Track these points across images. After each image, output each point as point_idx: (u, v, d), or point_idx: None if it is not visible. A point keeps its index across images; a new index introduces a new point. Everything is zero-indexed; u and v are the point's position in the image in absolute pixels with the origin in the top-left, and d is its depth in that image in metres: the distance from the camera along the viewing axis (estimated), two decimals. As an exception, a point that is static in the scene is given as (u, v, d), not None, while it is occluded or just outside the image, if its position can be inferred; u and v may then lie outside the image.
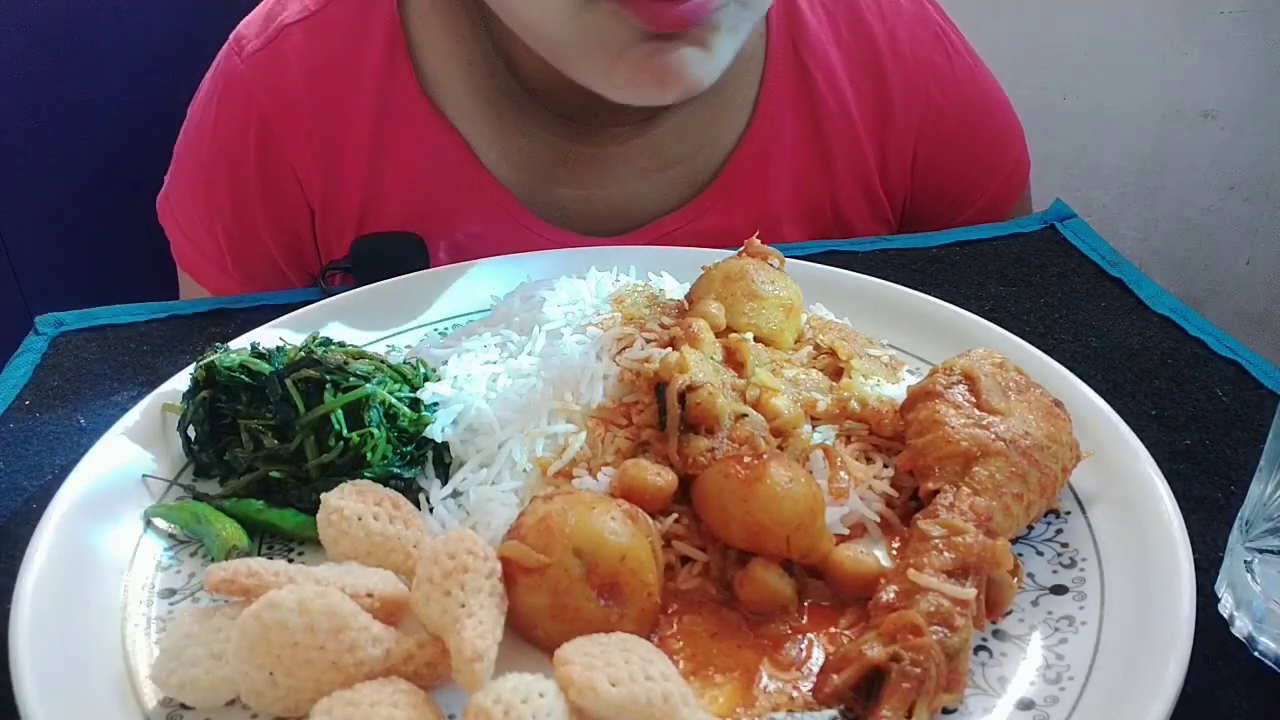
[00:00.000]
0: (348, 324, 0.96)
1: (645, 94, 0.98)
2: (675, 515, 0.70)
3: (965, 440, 0.70)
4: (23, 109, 1.74)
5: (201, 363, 0.81)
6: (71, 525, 0.72)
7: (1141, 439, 0.76)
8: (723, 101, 1.16)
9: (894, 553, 0.69)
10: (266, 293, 1.13)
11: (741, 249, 0.92)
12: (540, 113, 1.16)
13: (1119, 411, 0.78)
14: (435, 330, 0.98)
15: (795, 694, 0.61)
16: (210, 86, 1.20)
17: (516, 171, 1.18)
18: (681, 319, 0.83)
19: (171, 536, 0.75)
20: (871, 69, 1.21)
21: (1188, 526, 0.67)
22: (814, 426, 0.77)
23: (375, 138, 1.16)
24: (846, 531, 0.71)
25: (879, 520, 0.71)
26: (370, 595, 0.62)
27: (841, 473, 0.73)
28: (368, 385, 0.78)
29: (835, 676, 0.60)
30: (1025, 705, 0.59)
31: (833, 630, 0.65)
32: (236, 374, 0.79)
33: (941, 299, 0.96)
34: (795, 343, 0.86)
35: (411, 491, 0.76)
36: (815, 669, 0.62)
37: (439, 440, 0.78)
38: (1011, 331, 0.90)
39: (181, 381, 0.84)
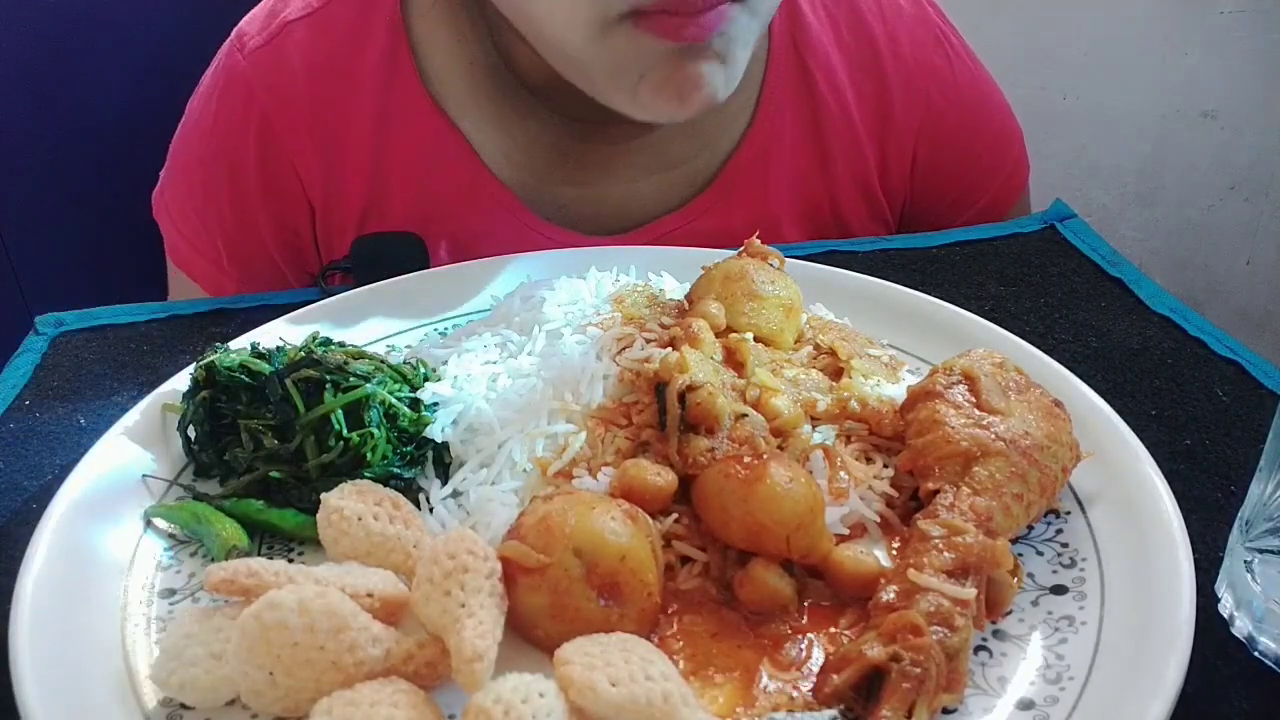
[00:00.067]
0: (348, 324, 0.96)
1: (668, 111, 0.98)
2: (675, 515, 0.70)
3: (965, 440, 0.70)
4: (23, 109, 1.74)
5: (201, 363, 0.81)
6: (71, 525, 0.72)
7: (1141, 439, 0.76)
8: (724, 103, 1.17)
9: (894, 553, 0.69)
10: (266, 293, 1.13)
11: (741, 249, 0.92)
12: (541, 112, 1.16)
13: (1119, 411, 0.78)
14: (435, 330, 0.98)
15: (795, 694, 0.61)
16: (211, 83, 1.20)
17: (517, 170, 1.18)
18: (681, 319, 0.83)
19: (171, 536, 0.75)
20: (872, 71, 1.22)
21: (1188, 526, 0.67)
22: (814, 426, 0.77)
23: (377, 135, 1.16)
24: (846, 531, 0.71)
25: (879, 520, 0.71)
26: (370, 595, 0.62)
27: (841, 473, 0.73)
28: (368, 385, 0.78)
29: (835, 676, 0.60)
30: (1025, 705, 0.59)
31: (833, 630, 0.65)
32: (236, 374, 0.79)
33: (941, 299, 0.96)
34: (795, 343, 0.86)
35: (411, 491, 0.76)
36: (815, 669, 0.62)
37: (439, 440, 0.78)
38: (1011, 331, 0.90)
39: (181, 381, 0.84)
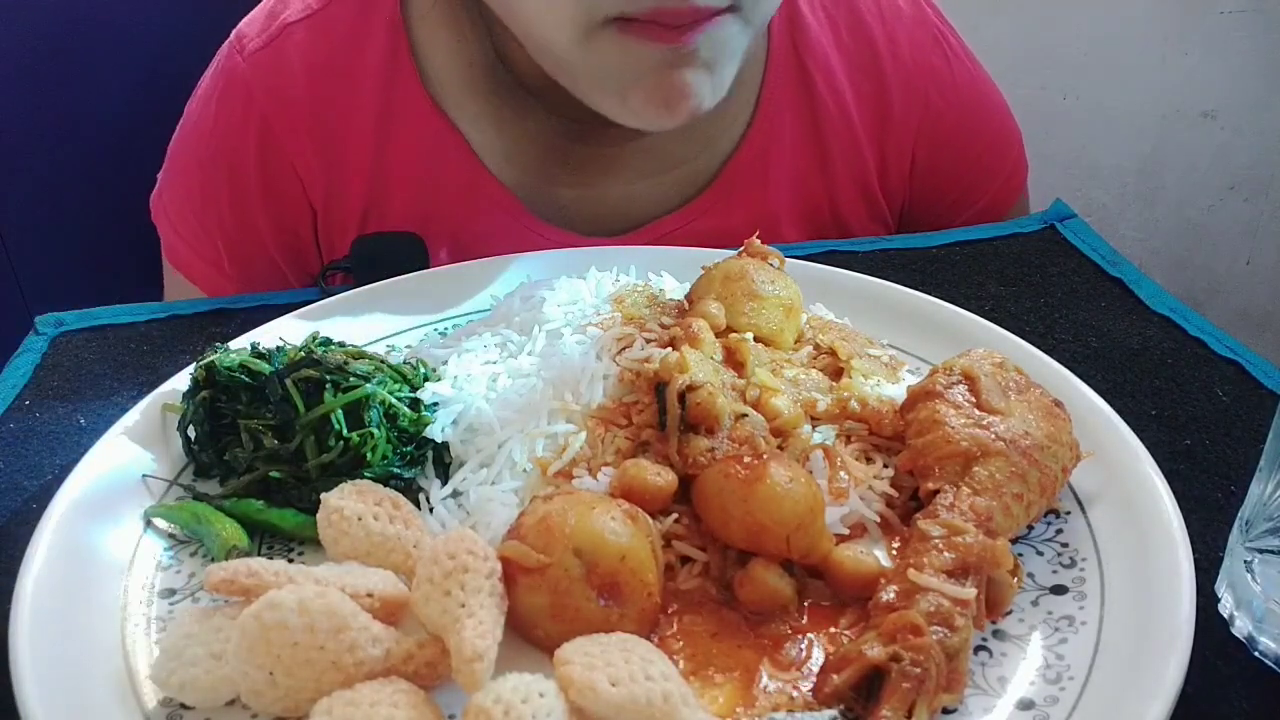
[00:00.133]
0: (348, 324, 0.96)
1: (655, 119, 0.99)
2: (675, 515, 0.70)
3: (965, 440, 0.70)
4: (23, 109, 1.74)
5: (201, 363, 0.81)
6: (71, 525, 0.72)
7: (1141, 439, 0.76)
8: (724, 103, 1.16)
9: (894, 553, 0.69)
10: (266, 293, 1.13)
11: (741, 249, 0.92)
12: (541, 113, 1.16)
13: (1119, 411, 0.78)
14: (435, 330, 0.98)
15: (795, 694, 0.61)
16: (210, 85, 1.19)
17: (517, 171, 1.18)
18: (681, 319, 0.83)
19: (171, 536, 0.74)
20: (871, 72, 1.22)
21: (1188, 526, 0.67)
22: (814, 426, 0.77)
23: (377, 137, 1.16)
24: (846, 531, 0.71)
25: (879, 520, 0.71)
26: (370, 595, 0.62)
27: (841, 473, 0.73)
28: (368, 385, 0.78)
29: (835, 676, 0.60)
30: (1025, 705, 0.59)
31: (833, 630, 0.65)
32: (236, 374, 0.79)
33: (941, 299, 0.96)
34: (795, 343, 0.86)
35: (411, 491, 0.76)
36: (815, 669, 0.62)
37: (439, 440, 0.78)
38: (1011, 331, 0.90)
39: (181, 381, 0.84)
